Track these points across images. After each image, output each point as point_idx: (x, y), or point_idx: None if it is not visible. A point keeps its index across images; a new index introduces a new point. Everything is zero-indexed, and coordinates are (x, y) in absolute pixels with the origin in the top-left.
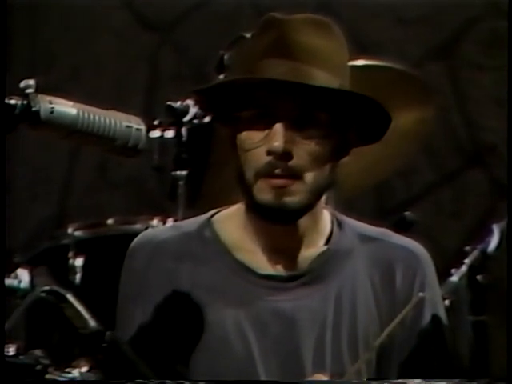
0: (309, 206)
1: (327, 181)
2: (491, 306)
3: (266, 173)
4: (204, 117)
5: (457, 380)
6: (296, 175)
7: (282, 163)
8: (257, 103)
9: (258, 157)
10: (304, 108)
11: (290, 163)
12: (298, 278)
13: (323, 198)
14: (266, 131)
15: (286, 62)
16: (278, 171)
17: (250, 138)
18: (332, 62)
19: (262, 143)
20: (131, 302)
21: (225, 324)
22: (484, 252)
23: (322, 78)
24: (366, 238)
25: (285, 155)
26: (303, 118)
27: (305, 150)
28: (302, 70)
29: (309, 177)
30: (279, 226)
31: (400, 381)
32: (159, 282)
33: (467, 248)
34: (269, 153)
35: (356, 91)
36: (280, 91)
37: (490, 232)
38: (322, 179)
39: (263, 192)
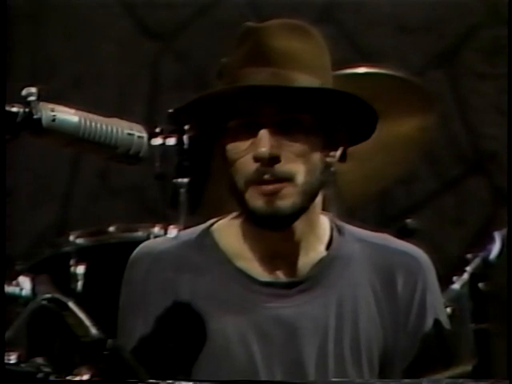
0: (303, 209)
1: (319, 181)
2: (493, 314)
3: (256, 179)
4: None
5: (461, 380)
6: (286, 178)
7: (270, 168)
8: (241, 112)
9: (246, 164)
10: (287, 111)
11: (279, 167)
12: (298, 284)
13: (319, 202)
14: (252, 138)
15: (265, 68)
16: (267, 176)
17: (237, 147)
18: (311, 65)
19: (248, 151)
20: (132, 313)
21: (227, 332)
22: (486, 260)
23: (302, 80)
24: (366, 244)
25: (272, 160)
26: (287, 122)
27: (292, 152)
28: (282, 74)
29: (300, 178)
30: (275, 232)
31: (404, 380)
32: (159, 292)
33: (469, 256)
34: (256, 159)
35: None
36: (262, 97)
37: (491, 239)
38: (314, 180)
39: (255, 200)
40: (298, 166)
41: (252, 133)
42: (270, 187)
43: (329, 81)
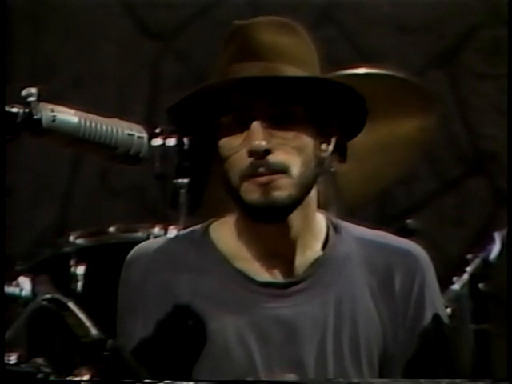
0: (298, 201)
1: (314, 174)
2: (493, 314)
3: (251, 173)
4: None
5: (459, 380)
6: (281, 170)
7: (264, 161)
8: (233, 108)
9: (240, 160)
10: (279, 104)
11: (273, 160)
12: (296, 284)
13: (314, 197)
14: (245, 133)
15: (255, 63)
16: (261, 169)
17: (230, 143)
18: (301, 58)
19: (242, 146)
20: (131, 314)
21: (226, 333)
22: (486, 260)
23: (293, 72)
24: (363, 242)
25: (266, 153)
26: (279, 114)
27: (285, 145)
28: (271, 67)
29: (294, 170)
30: (271, 226)
31: (402, 380)
32: (157, 293)
33: (469, 256)
34: (250, 153)
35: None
36: (254, 91)
37: (491, 240)
38: (308, 172)
39: (250, 193)
40: (293, 157)
41: (244, 128)
42: (265, 178)
43: (318, 74)
